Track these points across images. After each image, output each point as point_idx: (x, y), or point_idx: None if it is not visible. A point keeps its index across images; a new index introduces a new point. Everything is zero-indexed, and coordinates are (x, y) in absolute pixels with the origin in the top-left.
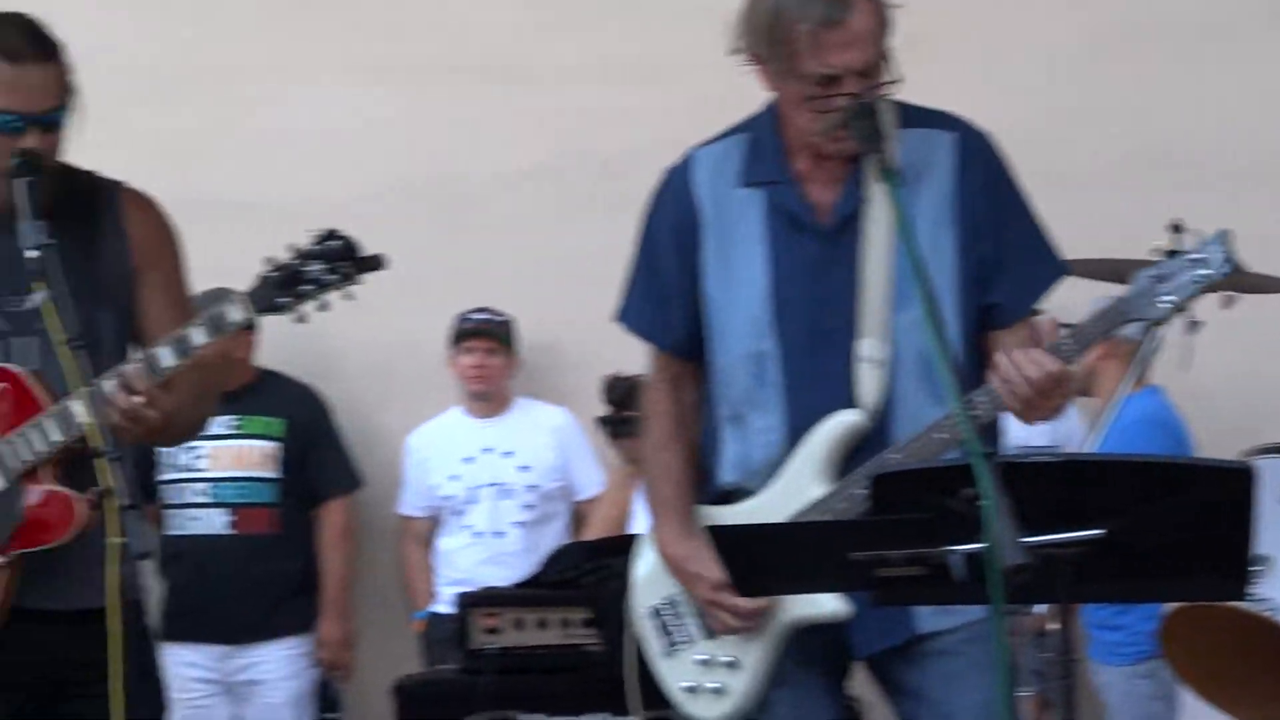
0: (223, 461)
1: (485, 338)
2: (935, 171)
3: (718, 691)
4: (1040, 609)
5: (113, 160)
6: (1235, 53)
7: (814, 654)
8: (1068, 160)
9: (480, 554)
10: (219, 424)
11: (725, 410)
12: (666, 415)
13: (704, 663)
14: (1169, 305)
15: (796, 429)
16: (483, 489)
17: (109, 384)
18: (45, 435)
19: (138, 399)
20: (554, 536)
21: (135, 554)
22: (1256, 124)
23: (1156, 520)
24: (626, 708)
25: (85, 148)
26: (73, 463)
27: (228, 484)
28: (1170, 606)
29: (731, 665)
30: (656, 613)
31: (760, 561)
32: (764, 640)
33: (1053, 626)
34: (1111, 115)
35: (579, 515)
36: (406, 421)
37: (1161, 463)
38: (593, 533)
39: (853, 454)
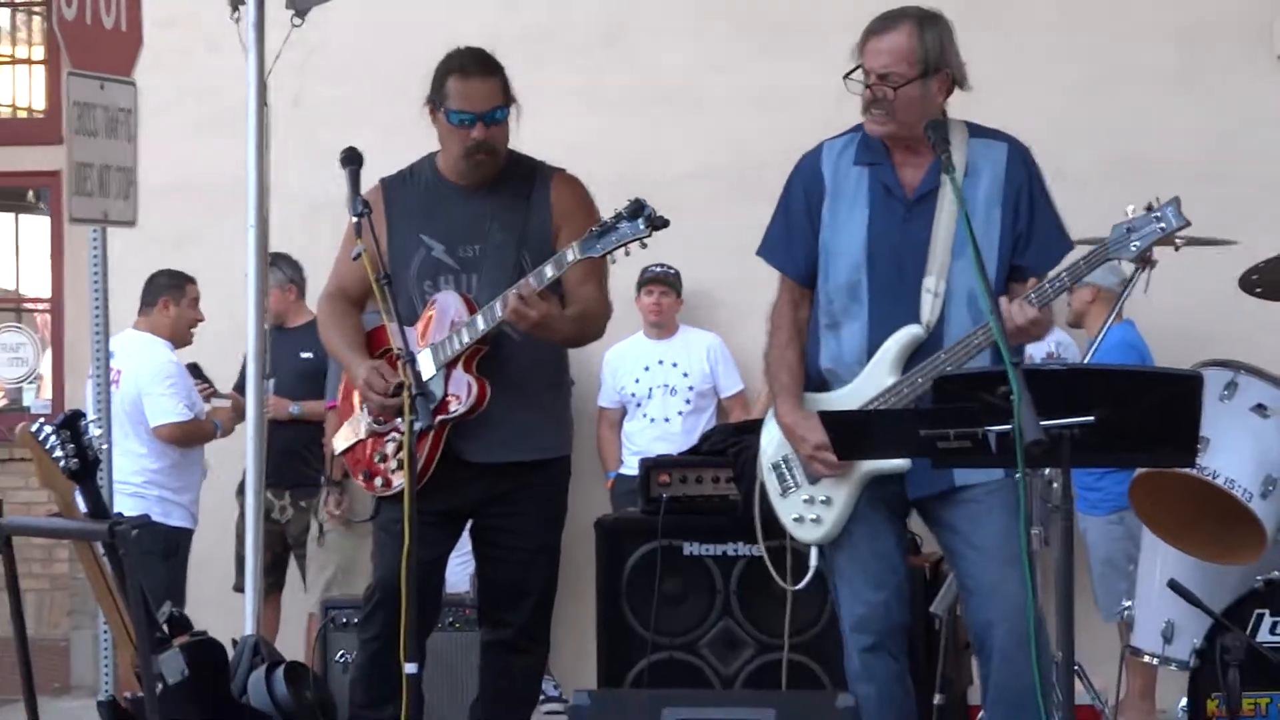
0: None
1: (662, 283)
2: (990, 168)
3: (816, 520)
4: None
5: None
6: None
7: (882, 497)
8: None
9: (653, 434)
10: None
11: (826, 320)
12: (789, 324)
13: (807, 501)
14: (1137, 248)
15: (876, 337)
16: (656, 389)
17: (511, 290)
18: (462, 339)
19: (522, 301)
20: (703, 422)
21: (422, 428)
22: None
23: (1132, 411)
24: (751, 536)
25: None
26: (485, 358)
27: None
28: (1138, 471)
29: (826, 502)
30: (775, 467)
31: (856, 435)
32: (848, 485)
33: (1055, 485)
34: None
35: (722, 407)
36: (605, 341)
37: (1136, 371)
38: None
39: (913, 356)
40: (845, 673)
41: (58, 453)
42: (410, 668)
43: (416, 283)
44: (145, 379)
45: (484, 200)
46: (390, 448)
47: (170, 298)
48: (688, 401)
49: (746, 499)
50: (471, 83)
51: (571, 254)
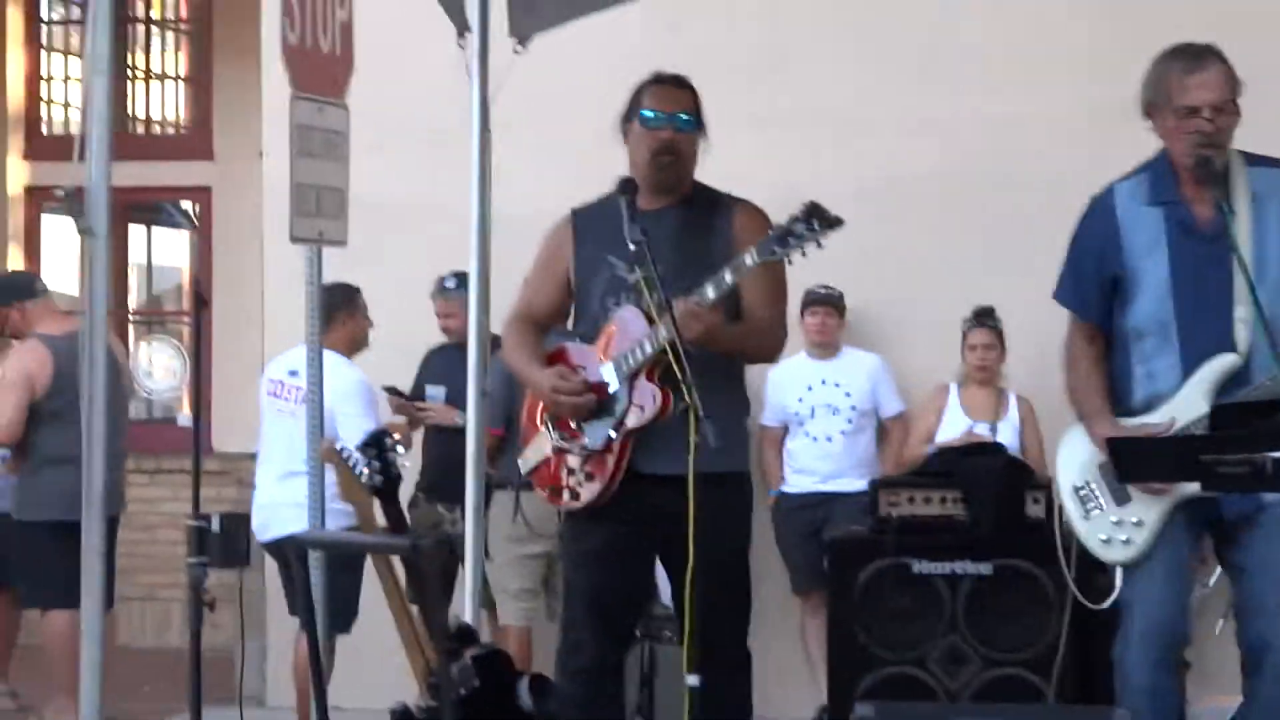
0: None
1: (826, 304)
2: (1277, 193)
3: (1126, 542)
4: None
5: None
6: None
7: (1187, 517)
8: None
9: (816, 452)
10: None
11: (1137, 358)
12: (1086, 356)
13: (1116, 523)
14: None
15: (1189, 368)
16: (819, 408)
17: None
18: (645, 350)
19: (696, 307)
20: (865, 442)
21: (710, 447)
22: None
23: None
24: (979, 556)
25: None
26: (667, 370)
27: None
28: None
29: (1138, 524)
30: (1077, 490)
31: (1139, 459)
32: (1161, 506)
33: None
34: None
35: (882, 428)
36: None
37: None
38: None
39: (1227, 383)
40: (1120, 686)
41: (361, 469)
42: (693, 679)
43: (601, 301)
44: (337, 399)
45: (668, 223)
46: (575, 461)
47: (346, 313)
48: (850, 421)
49: (975, 518)
50: (665, 88)
51: (750, 258)
